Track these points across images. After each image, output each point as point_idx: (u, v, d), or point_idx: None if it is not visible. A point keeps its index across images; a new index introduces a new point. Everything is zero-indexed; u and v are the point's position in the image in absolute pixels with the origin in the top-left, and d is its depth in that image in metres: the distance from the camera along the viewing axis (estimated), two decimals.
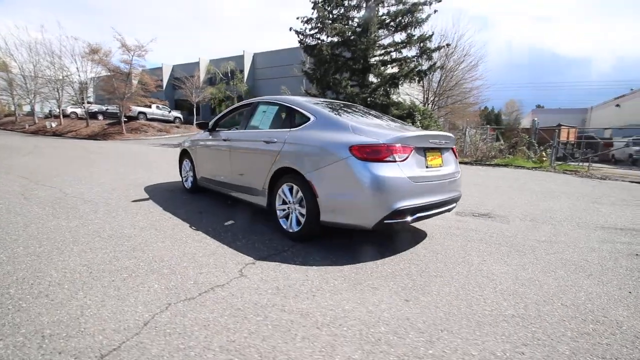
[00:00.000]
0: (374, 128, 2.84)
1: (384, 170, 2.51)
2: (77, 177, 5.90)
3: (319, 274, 2.41)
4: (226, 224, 3.57)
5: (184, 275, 2.29)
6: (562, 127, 15.55)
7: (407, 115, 16.92)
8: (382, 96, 17.10)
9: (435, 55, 17.44)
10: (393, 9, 16.46)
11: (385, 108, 16.67)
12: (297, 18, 17.01)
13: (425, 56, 16.75)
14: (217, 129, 4.50)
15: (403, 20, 16.69)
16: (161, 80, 31.44)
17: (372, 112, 3.90)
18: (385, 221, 2.54)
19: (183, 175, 5.20)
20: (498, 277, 2.47)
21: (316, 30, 17.45)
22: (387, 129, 2.88)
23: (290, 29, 17.31)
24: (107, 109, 24.96)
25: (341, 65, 17.24)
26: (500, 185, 7.19)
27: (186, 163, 5.06)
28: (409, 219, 2.64)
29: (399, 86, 16.83)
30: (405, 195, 2.57)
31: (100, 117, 24.69)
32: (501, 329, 1.80)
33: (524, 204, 5.25)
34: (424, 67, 16.54)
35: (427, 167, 2.82)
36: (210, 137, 4.39)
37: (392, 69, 16.98)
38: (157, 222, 3.49)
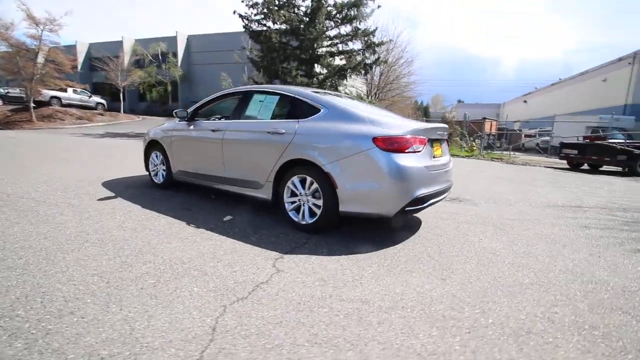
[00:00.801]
0: (388, 119, 2.96)
1: (406, 160, 2.65)
2: (9, 174, 4.93)
3: (351, 262, 2.47)
4: (225, 219, 3.38)
5: (219, 276, 2.16)
6: (487, 120, 17.68)
7: None
8: (330, 87, 17.36)
9: (378, 49, 18.22)
10: (339, 1, 16.67)
11: None
12: (242, 1, 16.25)
13: (370, 50, 17.36)
14: (196, 118, 4.18)
15: (349, 14, 17.02)
16: (76, 59, 27.30)
17: (365, 102, 4.02)
18: (406, 208, 2.70)
19: (151, 169, 4.71)
20: (500, 252, 2.82)
21: (262, 16, 16.88)
22: (399, 120, 3.02)
23: (234, 12, 16.48)
24: (8, 92, 20.86)
25: (289, 54, 16.97)
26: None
27: (155, 156, 4.59)
28: (423, 205, 2.84)
29: (347, 78, 17.29)
30: (423, 183, 2.76)
31: (0, 102, 20.56)
32: (530, 295, 2.09)
33: (480, 189, 5.94)
34: (370, 61, 17.17)
35: (433, 157, 3.04)
36: (192, 127, 4.06)
37: (340, 61, 17.32)
38: (147, 222, 3.15)
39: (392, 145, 2.64)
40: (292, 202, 3.13)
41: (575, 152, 10.60)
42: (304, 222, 3.05)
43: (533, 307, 1.94)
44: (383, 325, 1.70)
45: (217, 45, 27.71)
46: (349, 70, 16.77)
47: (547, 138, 16.99)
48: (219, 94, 4.09)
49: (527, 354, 1.53)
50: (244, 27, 17.55)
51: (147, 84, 26.49)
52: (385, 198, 2.68)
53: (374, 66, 17.82)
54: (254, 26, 17.34)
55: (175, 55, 28.36)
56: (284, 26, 16.61)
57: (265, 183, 3.30)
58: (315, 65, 17.92)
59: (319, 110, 3.08)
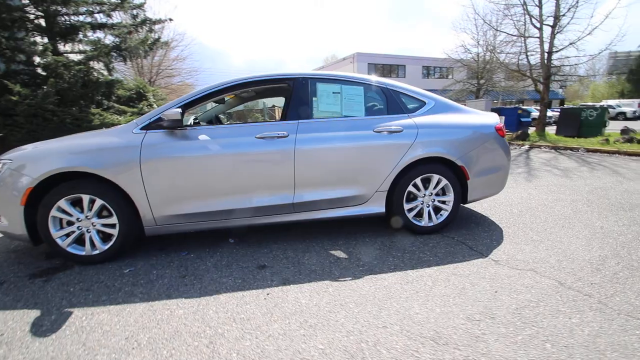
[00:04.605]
0: (468, 107, 3.18)
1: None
2: None
3: (531, 243, 2.70)
4: (339, 255, 2.47)
5: (508, 317, 1.83)
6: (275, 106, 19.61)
7: (137, 96, 14.51)
8: (99, 71, 13.21)
9: (155, 27, 15.39)
10: None
11: (109, 86, 13.21)
12: None
13: (147, 27, 14.50)
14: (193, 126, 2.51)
15: None
16: None
17: None
18: None
19: (57, 234, 2.30)
20: (554, 203, 3.90)
21: None
22: (471, 108, 3.27)
23: None
24: None
25: (17, 18, 11.22)
26: None
27: (69, 205, 2.29)
28: None
29: (127, 60, 13.64)
30: None
31: None
32: (608, 211, 3.23)
33: None
34: (151, 41, 14.39)
35: None
36: (201, 136, 2.38)
37: (113, 38, 13.25)
38: (306, 311, 1.82)
39: (502, 130, 2.98)
40: (413, 208, 2.78)
41: None
42: (431, 224, 2.82)
43: (618, 212, 3.08)
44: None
45: None
46: (127, 50, 13.25)
47: None
48: (230, 83, 2.56)
49: None
50: None
51: None
52: (503, 178, 3.02)
53: (158, 47, 14.99)
54: None
55: None
56: None
57: (375, 194, 2.68)
58: (65, 39, 12.93)
59: (425, 103, 2.83)
